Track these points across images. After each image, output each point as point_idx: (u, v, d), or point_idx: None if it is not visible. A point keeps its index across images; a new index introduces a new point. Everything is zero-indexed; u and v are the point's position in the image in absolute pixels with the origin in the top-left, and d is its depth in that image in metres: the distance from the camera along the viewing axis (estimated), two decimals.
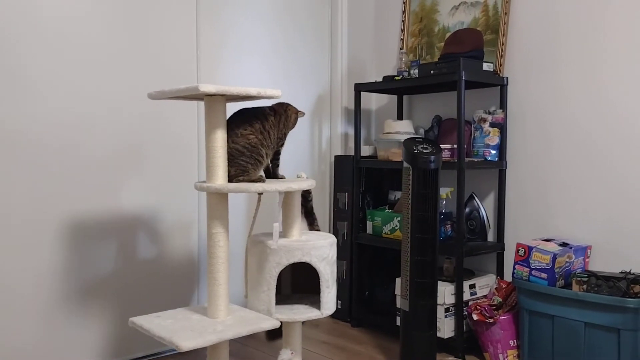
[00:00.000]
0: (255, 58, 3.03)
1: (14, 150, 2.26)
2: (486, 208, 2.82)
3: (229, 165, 1.94)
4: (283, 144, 2.10)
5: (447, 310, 2.59)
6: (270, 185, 1.90)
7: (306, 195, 2.27)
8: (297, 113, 2.11)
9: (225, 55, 2.89)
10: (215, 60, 2.85)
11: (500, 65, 2.75)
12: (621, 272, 2.29)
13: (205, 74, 2.81)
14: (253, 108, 2.04)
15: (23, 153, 2.28)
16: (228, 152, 1.94)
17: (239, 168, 1.94)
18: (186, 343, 1.72)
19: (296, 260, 2.01)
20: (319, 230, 2.30)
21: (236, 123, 1.97)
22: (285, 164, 3.03)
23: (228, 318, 1.95)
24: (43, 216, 2.33)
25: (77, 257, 2.43)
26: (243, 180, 1.94)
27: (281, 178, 2.15)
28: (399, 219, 2.84)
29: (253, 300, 2.08)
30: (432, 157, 2.32)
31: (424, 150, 2.34)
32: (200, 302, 2.84)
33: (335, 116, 3.40)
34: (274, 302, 2.03)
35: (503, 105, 2.72)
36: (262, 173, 2.02)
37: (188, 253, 2.79)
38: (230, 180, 1.95)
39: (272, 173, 2.14)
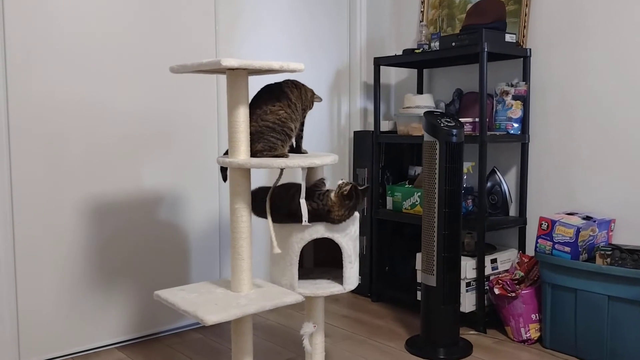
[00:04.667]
0: (273, 32, 3.00)
1: (42, 131, 2.27)
2: (508, 182, 2.79)
3: (256, 141, 1.92)
4: (305, 115, 2.08)
5: (468, 284, 2.59)
6: (293, 161, 1.89)
7: (319, 185, 2.07)
8: (313, 92, 2.08)
9: (243, 28, 2.87)
10: (233, 34, 2.83)
11: (523, 37, 2.70)
12: None
13: (224, 49, 2.79)
14: (274, 85, 2.02)
15: (49, 134, 2.30)
16: (257, 130, 1.92)
17: (267, 144, 1.92)
18: (211, 317, 1.73)
19: (319, 235, 2.00)
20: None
21: (263, 100, 1.95)
22: (304, 140, 3.01)
23: (251, 292, 1.96)
24: (69, 195, 2.36)
25: (102, 234, 2.46)
26: (267, 156, 1.93)
27: (304, 152, 2.13)
28: (419, 194, 2.82)
29: (276, 275, 2.09)
30: (456, 130, 2.30)
31: (449, 124, 2.32)
32: (222, 276, 2.87)
33: (355, 91, 3.37)
34: (297, 277, 2.03)
35: (526, 77, 2.68)
36: (286, 149, 2.01)
37: (210, 228, 2.81)
38: (254, 155, 1.94)
39: (295, 146, 2.12)
